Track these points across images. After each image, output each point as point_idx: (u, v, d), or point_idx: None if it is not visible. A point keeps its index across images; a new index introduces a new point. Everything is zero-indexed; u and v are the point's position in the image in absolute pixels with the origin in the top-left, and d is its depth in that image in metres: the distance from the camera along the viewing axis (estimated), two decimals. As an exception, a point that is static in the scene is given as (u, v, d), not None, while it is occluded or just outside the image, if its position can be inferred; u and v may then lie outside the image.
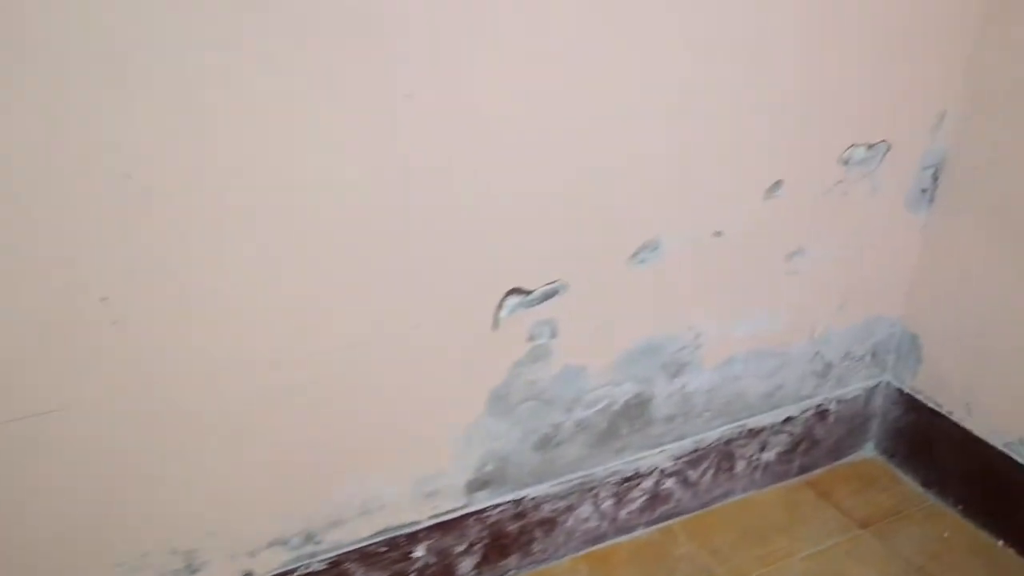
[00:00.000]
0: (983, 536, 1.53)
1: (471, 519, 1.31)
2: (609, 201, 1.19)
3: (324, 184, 1.00)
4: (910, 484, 1.66)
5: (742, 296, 1.39)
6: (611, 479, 1.42)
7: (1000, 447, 1.48)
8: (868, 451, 1.74)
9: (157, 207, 0.92)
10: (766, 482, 1.63)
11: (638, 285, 1.27)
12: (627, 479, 1.44)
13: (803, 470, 1.67)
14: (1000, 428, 1.48)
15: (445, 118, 1.03)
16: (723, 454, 1.53)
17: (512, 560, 1.38)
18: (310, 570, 1.20)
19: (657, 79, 1.15)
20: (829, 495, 1.63)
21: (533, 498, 1.36)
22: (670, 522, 1.54)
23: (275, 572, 1.19)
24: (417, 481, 1.25)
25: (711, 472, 1.54)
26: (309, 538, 1.20)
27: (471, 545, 1.33)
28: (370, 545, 1.25)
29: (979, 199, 1.43)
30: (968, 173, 1.43)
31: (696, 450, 1.49)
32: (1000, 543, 1.51)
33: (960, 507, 1.57)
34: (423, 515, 1.28)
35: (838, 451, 1.70)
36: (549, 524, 1.39)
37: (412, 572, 1.29)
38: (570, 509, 1.40)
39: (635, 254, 1.25)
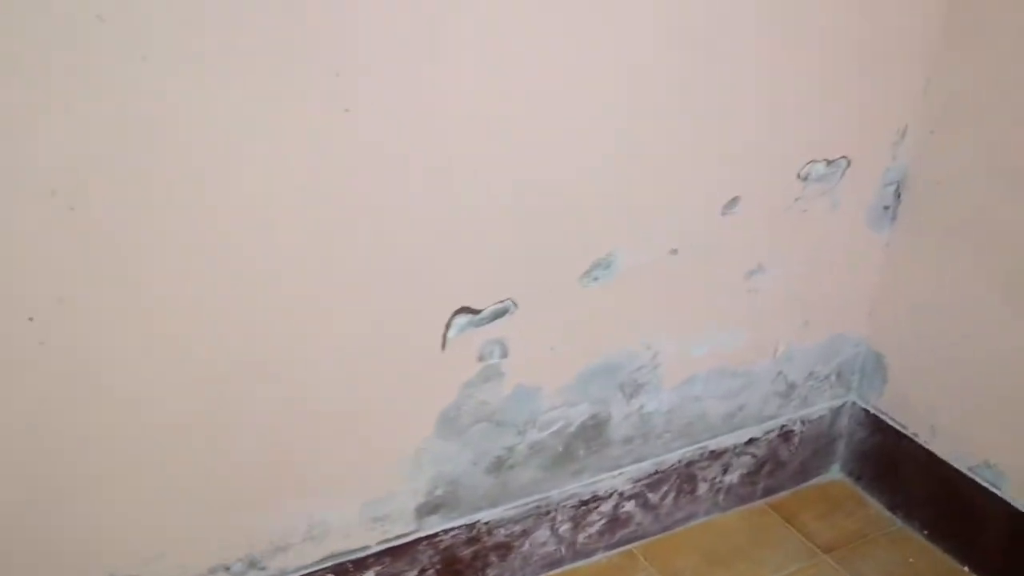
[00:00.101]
0: (948, 561, 1.50)
1: (422, 544, 1.28)
2: (559, 218, 1.16)
3: (263, 203, 0.98)
4: (876, 507, 1.63)
5: (701, 314, 1.37)
6: (568, 502, 1.39)
7: (964, 470, 1.45)
8: (835, 473, 1.71)
9: (84, 225, 0.89)
10: (729, 505, 1.59)
11: (592, 304, 1.25)
12: (585, 502, 1.41)
13: (768, 492, 1.63)
14: (964, 451, 1.45)
15: (387, 134, 1.00)
16: (684, 476, 1.50)
17: (467, 586, 1.34)
18: (253, 597, 1.16)
19: (609, 92, 1.12)
20: (794, 518, 1.60)
21: (487, 522, 1.32)
22: (630, 546, 1.50)
23: (216, 599, 1.14)
24: (365, 505, 1.21)
25: (672, 495, 1.50)
26: (252, 564, 1.16)
27: (422, 571, 1.30)
28: (316, 571, 1.21)
29: (942, 216, 1.41)
30: (930, 190, 1.41)
31: (656, 472, 1.46)
32: (965, 569, 1.47)
33: (926, 531, 1.55)
34: (372, 540, 1.24)
35: (804, 473, 1.67)
36: (504, 549, 1.36)
37: (361, 599, 1.25)
38: (526, 533, 1.37)
39: (588, 272, 1.22)
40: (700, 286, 1.34)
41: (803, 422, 1.60)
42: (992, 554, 1.44)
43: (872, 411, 1.61)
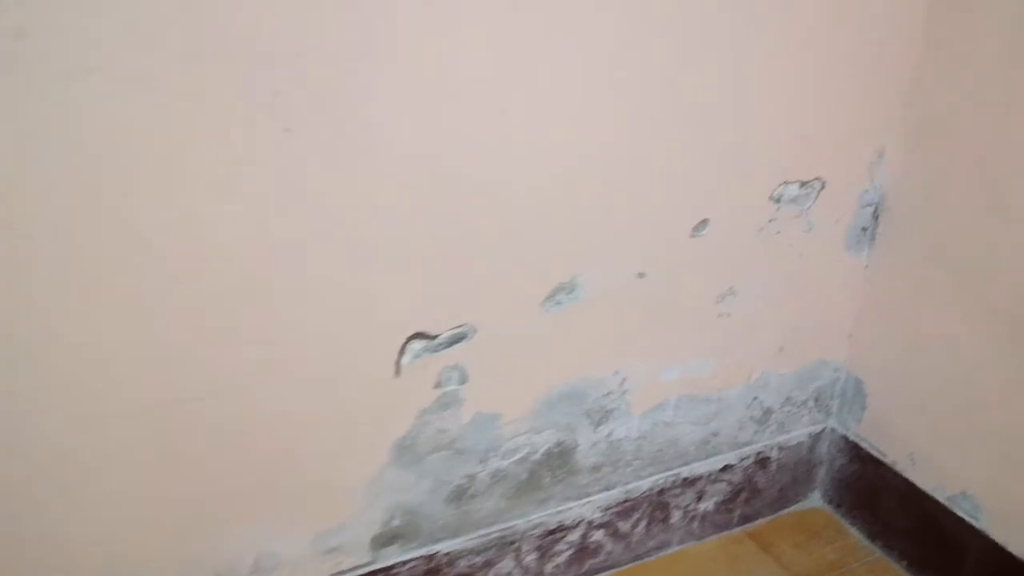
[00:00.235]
0: (928, 593, 1.45)
1: None
2: (519, 241, 1.13)
3: (206, 221, 0.94)
4: (856, 536, 1.59)
5: (670, 339, 1.33)
6: (534, 532, 1.35)
7: (943, 501, 1.41)
8: (815, 500, 1.67)
9: (13, 246, 0.85)
10: (705, 533, 1.55)
11: (555, 329, 1.21)
12: (551, 531, 1.36)
13: (745, 520, 1.59)
14: (943, 481, 1.41)
15: (334, 153, 0.97)
16: (656, 504, 1.45)
17: (426, 619, 1.30)
18: (197, 632, 1.12)
19: (574, 112, 1.09)
20: (771, 547, 1.56)
21: (447, 553, 1.28)
22: (600, 576, 1.45)
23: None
24: (317, 536, 1.17)
25: (644, 523, 1.46)
26: (198, 597, 1.11)
27: (379, 603, 1.25)
28: (266, 604, 1.16)
29: (921, 239, 1.37)
30: (909, 211, 1.37)
31: (626, 500, 1.42)
32: (944, 602, 1.43)
33: (905, 562, 1.51)
34: (324, 572, 1.21)
35: (782, 500, 1.62)
36: (466, 580, 1.31)
37: (313, 633, 1.21)
38: (489, 564, 1.33)
39: (550, 296, 1.18)
40: (669, 310, 1.30)
41: (780, 448, 1.56)
42: (971, 587, 1.39)
43: (851, 438, 1.57)
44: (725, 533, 1.59)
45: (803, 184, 1.31)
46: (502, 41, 1.01)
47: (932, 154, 1.33)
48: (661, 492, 1.46)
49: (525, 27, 1.01)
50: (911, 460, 1.47)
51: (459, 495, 1.26)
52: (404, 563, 1.26)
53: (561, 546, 1.39)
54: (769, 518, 1.63)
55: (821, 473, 1.64)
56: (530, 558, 1.37)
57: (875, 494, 1.55)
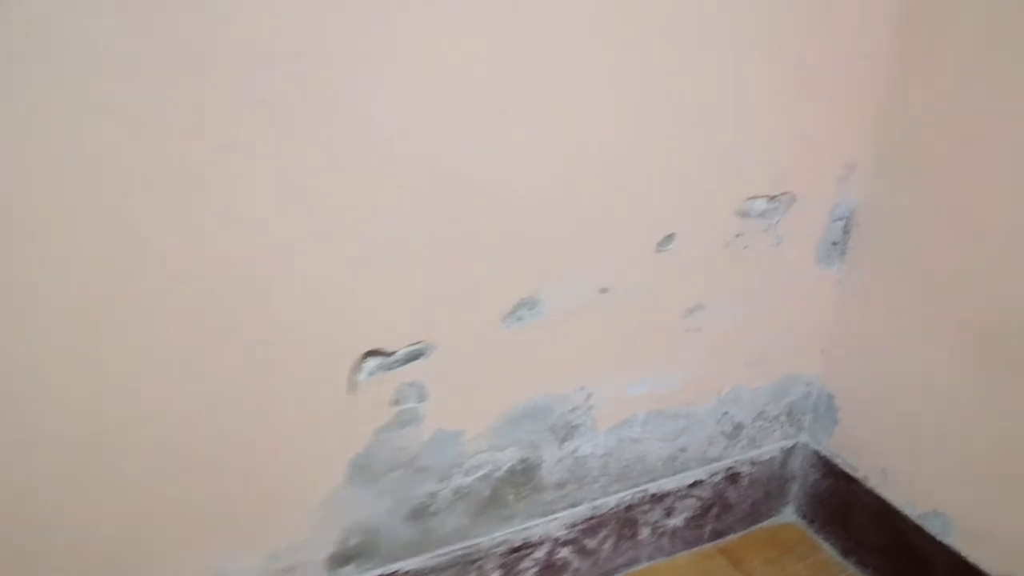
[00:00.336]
0: (899, 612, 1.43)
1: (335, 595, 1.21)
2: (478, 256, 1.11)
3: (157, 241, 0.92)
4: (829, 552, 1.57)
5: (636, 355, 1.31)
6: (497, 549, 1.33)
7: (914, 518, 1.39)
8: (788, 515, 1.65)
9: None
10: (675, 549, 1.54)
11: (516, 345, 1.19)
12: (516, 549, 1.34)
13: (716, 535, 1.57)
14: (914, 498, 1.39)
15: (289, 166, 0.94)
16: (624, 521, 1.43)
17: (385, 640, 1.28)
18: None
19: (532, 123, 1.06)
20: (742, 563, 1.53)
21: (407, 572, 1.26)
22: (567, 593, 1.43)
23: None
24: (270, 555, 1.15)
25: (612, 540, 1.44)
26: (146, 620, 1.09)
27: (336, 624, 1.23)
28: (216, 626, 1.14)
29: (892, 254, 1.35)
30: (880, 226, 1.35)
31: (593, 517, 1.40)
32: (915, 620, 1.41)
33: (877, 579, 1.47)
34: (278, 592, 1.17)
35: (755, 515, 1.60)
36: (427, 599, 1.29)
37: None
38: (451, 582, 1.30)
39: (511, 312, 1.16)
40: (635, 326, 1.28)
41: (752, 463, 1.54)
42: (942, 606, 1.37)
43: (824, 453, 1.55)
44: (696, 549, 1.57)
45: (771, 198, 1.29)
46: (465, 65, 0.99)
47: (902, 168, 1.31)
48: (629, 508, 1.44)
49: (493, 46, 0.98)
50: (883, 476, 1.45)
51: (420, 513, 1.24)
52: (362, 582, 1.23)
53: (526, 563, 1.37)
54: (741, 533, 1.61)
55: (794, 488, 1.62)
56: (494, 576, 1.35)
57: (848, 510, 1.53)
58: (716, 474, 1.50)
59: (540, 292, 1.17)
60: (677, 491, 1.47)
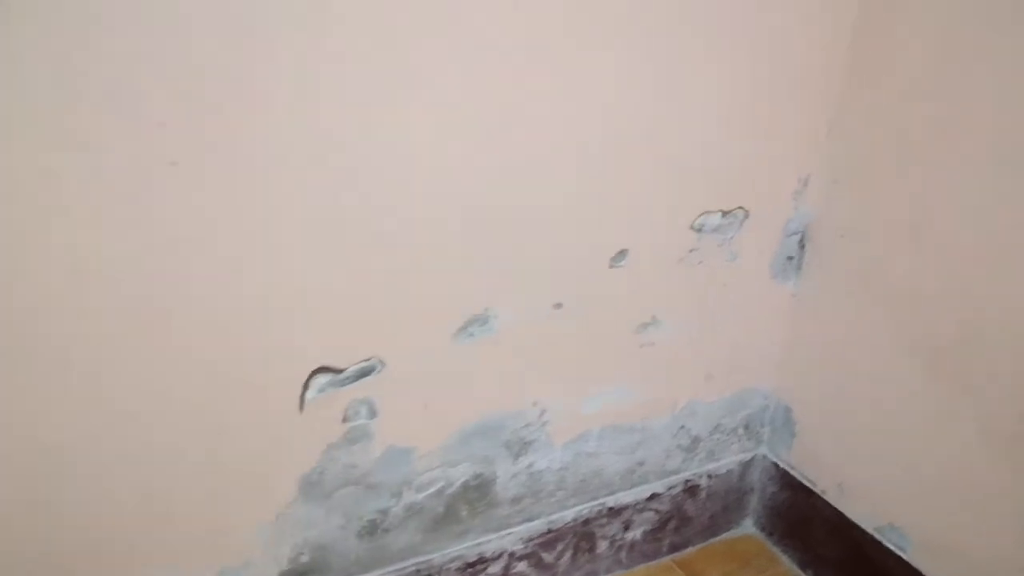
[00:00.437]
0: (856, 625, 1.43)
1: (285, 612, 1.20)
2: (428, 273, 1.10)
3: (96, 261, 0.90)
4: (787, 565, 1.57)
5: (591, 370, 1.30)
6: (452, 565, 1.32)
7: (871, 531, 1.39)
8: (748, 528, 1.65)
9: None
10: (633, 562, 1.53)
11: (468, 361, 1.18)
12: (471, 564, 1.34)
13: (674, 548, 1.57)
14: (871, 511, 1.39)
15: (226, 184, 0.93)
16: (581, 535, 1.43)
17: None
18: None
19: (481, 136, 1.06)
20: (700, 575, 1.53)
21: (360, 588, 1.25)
22: (524, 607, 1.43)
23: None
24: (220, 573, 1.13)
25: (569, 553, 1.43)
26: (92, 641, 1.08)
27: (286, 641, 1.22)
28: (165, 647, 1.13)
29: (846, 267, 1.35)
30: (835, 240, 1.36)
31: (549, 531, 1.39)
32: (872, 634, 1.41)
33: (835, 592, 1.48)
34: (228, 611, 1.16)
35: (713, 528, 1.60)
36: (380, 615, 1.28)
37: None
38: (404, 598, 1.29)
39: (463, 328, 1.15)
40: (589, 341, 1.27)
41: (710, 476, 1.54)
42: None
43: (782, 465, 1.55)
44: (654, 562, 1.57)
45: (725, 213, 1.29)
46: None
47: (856, 183, 1.31)
48: (586, 522, 1.43)
49: (442, 56, 0.98)
50: (840, 489, 1.45)
51: (372, 530, 1.23)
52: (313, 600, 1.22)
53: (482, 579, 1.37)
54: (699, 546, 1.61)
55: (753, 501, 1.63)
56: (449, 591, 1.34)
57: (806, 523, 1.53)
58: (674, 487, 1.50)
59: (492, 308, 1.17)
60: (635, 504, 1.47)
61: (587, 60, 1.08)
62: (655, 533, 1.53)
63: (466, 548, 1.34)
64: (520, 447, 1.30)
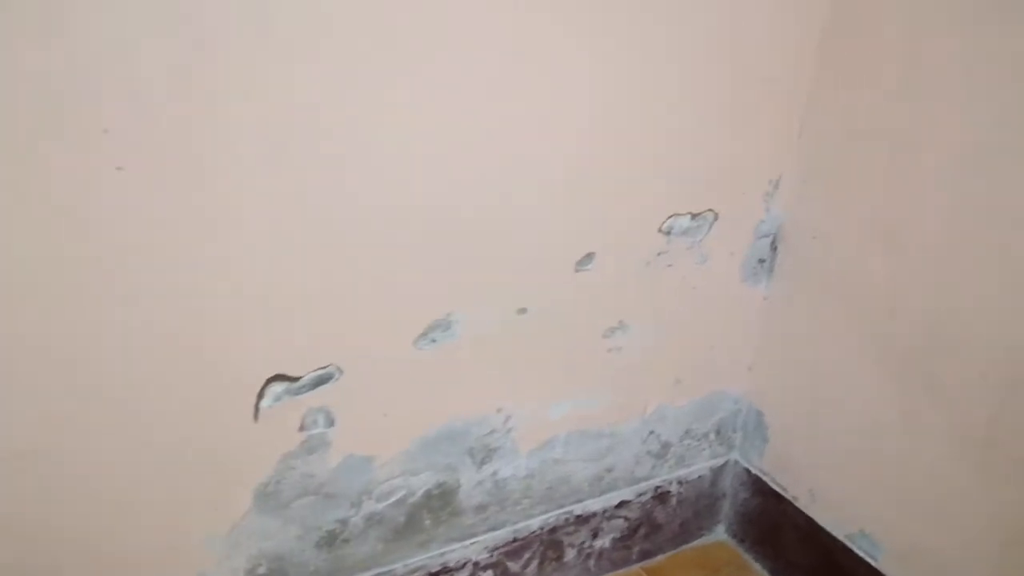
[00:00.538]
0: (827, 633, 1.41)
1: (243, 625, 1.17)
2: (387, 277, 1.07)
3: (46, 269, 0.86)
4: (759, 572, 1.56)
5: (557, 375, 1.27)
6: (414, 575, 1.28)
7: (842, 538, 1.37)
8: (720, 534, 1.63)
9: None
10: (601, 570, 1.51)
11: (429, 368, 1.15)
12: (434, 574, 1.31)
13: (644, 556, 1.55)
14: (841, 518, 1.37)
15: (173, 189, 0.90)
16: (548, 543, 1.40)
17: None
18: None
19: (441, 139, 1.03)
20: (670, 583, 1.50)
21: (319, 600, 1.21)
22: (490, 616, 1.40)
23: None
24: (172, 588, 1.09)
25: (536, 562, 1.41)
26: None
27: (244, 655, 1.18)
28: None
29: (817, 271, 1.33)
30: (805, 242, 1.33)
31: (515, 540, 1.36)
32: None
33: (806, 600, 1.45)
34: (182, 625, 1.12)
35: (685, 535, 1.58)
36: (341, 626, 1.25)
37: None
38: (365, 609, 1.26)
39: (423, 334, 1.12)
40: (555, 346, 1.24)
41: (680, 483, 1.51)
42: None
43: (754, 471, 1.53)
44: (623, 570, 1.54)
45: (695, 216, 1.26)
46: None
47: (827, 185, 1.29)
48: (553, 531, 1.41)
49: (411, 60, 0.95)
50: (811, 496, 1.43)
51: (331, 540, 1.20)
52: (271, 612, 1.19)
53: (446, 588, 1.33)
54: (670, 553, 1.59)
55: (725, 507, 1.60)
56: (411, 602, 1.31)
57: (777, 530, 1.51)
58: (644, 494, 1.48)
59: (454, 313, 1.14)
60: (604, 512, 1.45)
61: (553, 63, 1.05)
62: (624, 541, 1.50)
63: (429, 558, 1.30)
64: (484, 454, 1.27)
